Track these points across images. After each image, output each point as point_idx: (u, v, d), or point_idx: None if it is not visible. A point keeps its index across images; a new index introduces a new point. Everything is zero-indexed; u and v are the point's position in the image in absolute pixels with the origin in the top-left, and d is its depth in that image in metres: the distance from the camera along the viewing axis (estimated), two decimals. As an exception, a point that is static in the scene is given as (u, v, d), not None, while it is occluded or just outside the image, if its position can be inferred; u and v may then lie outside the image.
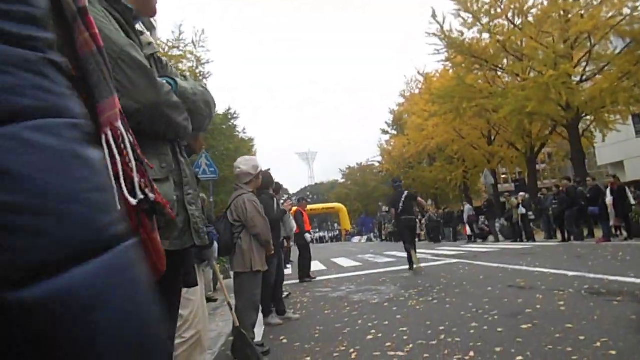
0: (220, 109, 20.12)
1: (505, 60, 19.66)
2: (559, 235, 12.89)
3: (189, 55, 16.48)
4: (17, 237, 0.39)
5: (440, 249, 14.61)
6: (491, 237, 17.32)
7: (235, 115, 21.07)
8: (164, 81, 1.15)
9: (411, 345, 3.28)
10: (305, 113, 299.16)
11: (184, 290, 1.65)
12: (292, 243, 7.59)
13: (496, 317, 3.88)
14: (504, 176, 42.86)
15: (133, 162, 0.72)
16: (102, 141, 0.64)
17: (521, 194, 15.65)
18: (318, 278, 8.71)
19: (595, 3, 15.93)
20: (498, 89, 19.49)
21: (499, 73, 20.64)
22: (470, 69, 19.84)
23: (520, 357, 2.72)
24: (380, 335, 3.73)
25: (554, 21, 16.90)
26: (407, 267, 8.85)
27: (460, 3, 18.32)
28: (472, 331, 3.49)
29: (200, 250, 2.55)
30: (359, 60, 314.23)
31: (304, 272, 8.51)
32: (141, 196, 0.73)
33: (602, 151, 26.79)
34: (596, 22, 15.20)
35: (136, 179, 0.72)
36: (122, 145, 0.69)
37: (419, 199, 9.64)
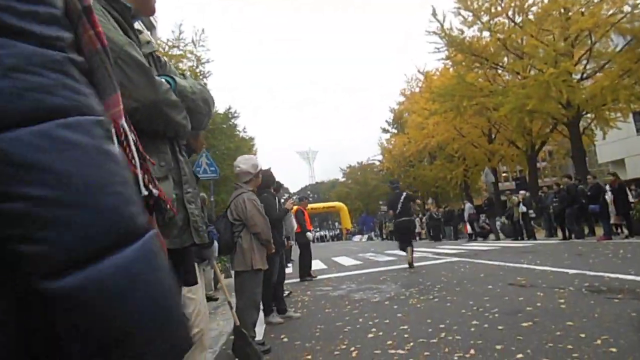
0: (220, 108, 20.14)
1: (505, 59, 19.66)
2: (559, 233, 12.88)
3: (189, 55, 16.48)
4: (57, 229, 0.41)
5: (441, 248, 14.62)
6: (492, 236, 17.33)
7: (235, 115, 21.08)
8: (163, 80, 1.15)
9: (412, 344, 3.29)
10: (305, 112, 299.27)
11: (186, 289, 1.66)
12: (292, 242, 7.58)
13: (497, 315, 3.88)
14: (504, 174, 42.83)
15: (137, 159, 0.73)
16: None
17: (522, 192, 15.65)
18: (319, 277, 8.72)
19: (595, 1, 15.90)
20: (498, 87, 19.48)
21: (500, 71, 20.64)
22: (471, 67, 19.83)
23: (520, 355, 2.73)
24: (381, 333, 3.73)
25: (555, 19, 16.87)
26: (407, 265, 8.88)
27: (460, 1, 18.32)
28: (472, 329, 3.49)
29: (201, 249, 2.55)
30: (359, 60, 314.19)
31: (305, 271, 8.51)
32: (145, 192, 0.74)
33: (602, 149, 26.75)
34: (597, 19, 15.18)
35: (140, 175, 0.73)
36: (125, 142, 0.70)
37: (417, 201, 9.75)
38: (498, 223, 17.35)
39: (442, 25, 19.07)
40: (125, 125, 0.69)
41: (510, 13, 18.20)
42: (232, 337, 3.46)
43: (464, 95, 19.27)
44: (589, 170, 17.50)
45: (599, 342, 2.79)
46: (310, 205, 12.11)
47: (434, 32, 19.40)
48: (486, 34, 19.12)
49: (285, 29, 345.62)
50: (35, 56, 0.45)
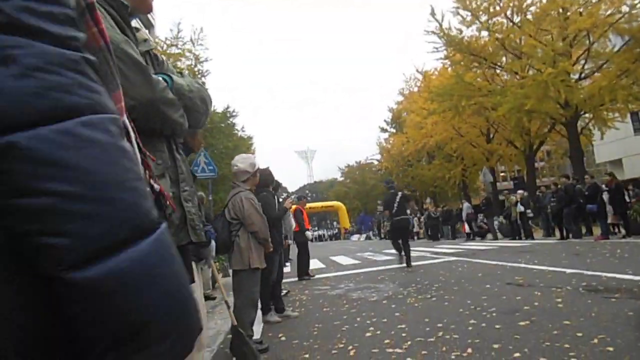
0: (219, 107, 20.15)
1: (504, 58, 19.69)
2: (557, 233, 12.91)
3: (187, 54, 16.48)
4: (81, 222, 0.43)
5: (439, 247, 14.63)
6: (490, 235, 17.35)
7: (234, 114, 21.08)
8: (160, 78, 1.15)
9: (409, 342, 3.29)
10: (304, 112, 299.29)
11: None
12: (290, 241, 7.59)
13: (494, 314, 3.89)
14: (502, 174, 42.92)
15: (138, 155, 0.73)
16: None
17: (520, 191, 15.68)
18: (317, 276, 8.72)
19: (593, 1, 15.93)
20: (497, 87, 19.50)
21: (498, 71, 20.66)
22: (469, 67, 19.86)
23: (518, 354, 2.73)
24: (378, 332, 3.73)
25: (553, 19, 16.90)
26: (405, 264, 8.90)
27: (459, 1, 18.34)
28: (470, 328, 3.50)
29: (198, 248, 2.55)
30: (359, 60, 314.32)
31: (303, 270, 8.51)
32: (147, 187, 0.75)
33: (600, 149, 26.81)
34: (595, 19, 15.21)
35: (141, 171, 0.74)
36: (127, 139, 0.71)
37: (411, 202, 9.82)
38: (496, 223, 17.37)
39: (440, 25, 19.10)
40: (127, 121, 0.71)
41: (508, 13, 18.22)
42: (230, 336, 3.46)
43: (463, 95, 19.29)
44: (587, 170, 17.53)
45: (596, 341, 2.80)
46: (308, 205, 12.12)
47: (433, 32, 19.43)
48: (485, 33, 19.15)
49: (285, 28, 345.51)
50: (54, 56, 0.46)
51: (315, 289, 6.94)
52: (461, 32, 19.23)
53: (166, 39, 16.47)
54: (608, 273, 5.34)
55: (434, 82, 24.88)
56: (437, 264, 8.96)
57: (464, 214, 18.85)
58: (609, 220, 11.18)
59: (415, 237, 25.87)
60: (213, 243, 3.80)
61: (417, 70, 29.56)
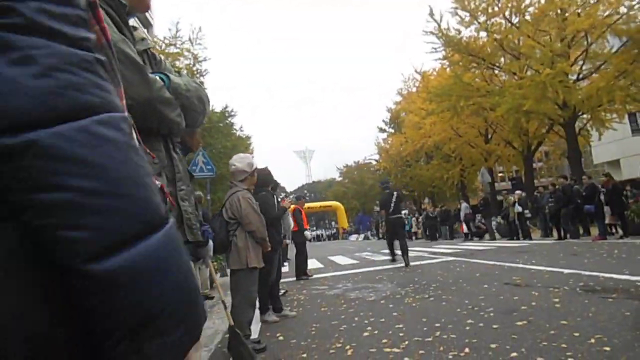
0: (217, 106, 20.12)
1: (502, 59, 19.72)
2: (555, 233, 12.94)
3: (185, 53, 16.45)
4: (100, 216, 0.46)
5: (437, 247, 14.64)
6: (487, 235, 17.38)
7: (232, 113, 21.05)
8: (157, 77, 1.15)
9: (407, 342, 3.30)
10: (303, 112, 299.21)
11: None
12: (289, 241, 7.58)
13: (492, 314, 3.90)
14: (500, 174, 42.99)
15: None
16: None
17: (518, 192, 15.70)
18: (315, 276, 8.72)
19: (592, 2, 15.98)
20: (495, 88, 19.53)
21: (496, 71, 20.69)
22: (468, 67, 19.89)
23: (515, 354, 2.74)
24: (376, 332, 3.73)
25: (551, 20, 16.93)
26: (403, 264, 8.91)
27: (457, 1, 18.36)
28: (467, 328, 3.51)
29: (196, 248, 2.55)
30: (358, 59, 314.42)
31: (301, 269, 8.51)
32: None
33: (598, 150, 26.87)
34: (593, 20, 15.25)
35: None
36: None
37: (406, 201, 10.39)
38: (494, 223, 17.40)
39: (439, 25, 19.13)
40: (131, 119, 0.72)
41: (507, 13, 18.25)
42: (228, 335, 3.45)
43: (461, 95, 19.31)
44: (585, 171, 17.60)
45: (592, 341, 2.81)
46: (306, 205, 12.13)
47: (431, 32, 19.46)
48: (483, 34, 19.19)
49: (284, 28, 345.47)
50: (69, 56, 0.48)
51: (313, 289, 6.94)
52: (460, 32, 19.28)
53: (165, 38, 16.45)
54: (605, 273, 5.36)
55: (433, 82, 24.90)
56: (435, 264, 8.97)
57: (462, 214, 18.87)
58: (607, 221, 11.22)
59: (414, 237, 25.91)
60: (211, 243, 3.80)
61: (416, 71, 29.63)
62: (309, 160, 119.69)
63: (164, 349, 0.49)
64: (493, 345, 2.96)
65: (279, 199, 5.49)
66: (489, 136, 24.81)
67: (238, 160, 3.83)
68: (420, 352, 3.02)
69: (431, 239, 21.47)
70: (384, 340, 3.41)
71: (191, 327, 0.53)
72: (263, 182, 4.81)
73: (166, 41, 16.28)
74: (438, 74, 25.52)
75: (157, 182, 0.80)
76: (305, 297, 6.29)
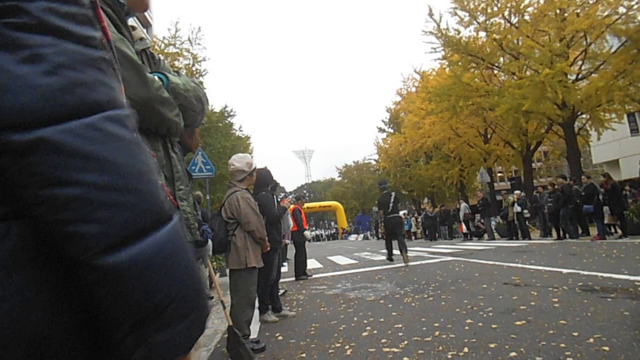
0: (217, 106, 20.13)
1: (501, 59, 19.73)
2: (554, 233, 12.95)
3: (185, 53, 16.46)
4: (111, 210, 0.47)
5: (436, 247, 14.66)
6: (486, 235, 17.39)
7: (232, 113, 21.07)
8: (155, 77, 1.15)
9: (406, 342, 3.30)
10: (302, 111, 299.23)
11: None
12: (288, 241, 7.58)
13: (491, 314, 3.90)
14: (500, 174, 43.03)
15: None
16: None
17: (517, 192, 15.71)
18: (314, 276, 8.72)
19: (591, 2, 15.98)
20: (494, 88, 19.54)
21: (496, 71, 20.71)
22: (467, 67, 19.89)
23: (514, 353, 2.74)
24: (375, 332, 3.73)
25: (550, 20, 16.94)
26: (402, 264, 8.93)
27: (456, 1, 18.37)
28: (466, 328, 3.51)
29: (194, 247, 2.55)
30: (358, 58, 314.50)
31: (300, 269, 8.51)
32: None
33: (597, 150, 26.93)
34: (592, 20, 15.26)
35: None
36: None
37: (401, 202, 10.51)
38: (493, 223, 17.40)
39: (438, 26, 19.14)
40: None
41: (506, 13, 18.26)
42: (227, 335, 3.45)
43: (460, 95, 19.33)
44: (584, 171, 17.62)
45: (591, 340, 2.81)
46: (306, 205, 12.14)
47: (431, 32, 19.47)
48: (482, 34, 19.20)
49: (283, 27, 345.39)
50: (77, 54, 0.50)
51: (313, 289, 6.94)
52: (459, 32, 19.29)
53: (164, 38, 16.46)
54: (604, 273, 5.37)
55: (432, 82, 24.91)
56: (434, 264, 8.97)
57: (461, 214, 18.88)
58: (606, 221, 11.23)
59: (413, 237, 25.92)
60: (210, 242, 3.80)
61: (415, 71, 29.65)
62: (309, 160, 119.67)
63: (171, 341, 0.51)
64: (492, 345, 2.96)
65: (279, 199, 5.49)
66: (488, 136, 24.83)
67: (237, 160, 3.83)
68: (420, 351, 3.02)
69: (430, 238, 21.49)
70: (383, 340, 3.42)
71: (197, 319, 0.54)
72: (263, 181, 4.82)
73: (165, 41, 16.29)
74: (437, 74, 25.52)
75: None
76: (304, 297, 6.29)
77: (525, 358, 2.65)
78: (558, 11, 16.82)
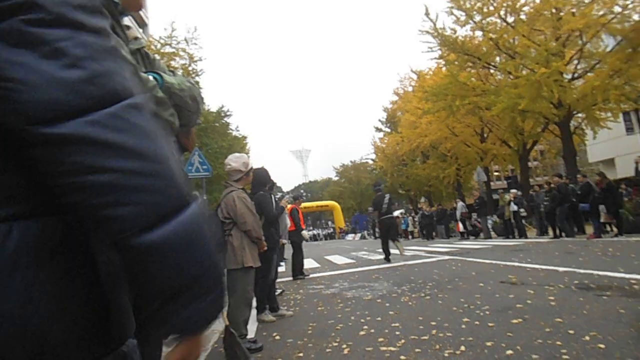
0: (213, 106, 20.11)
1: (497, 58, 19.76)
2: (550, 232, 13.00)
3: (181, 53, 16.44)
4: (140, 194, 0.50)
5: (433, 246, 14.68)
6: (483, 234, 17.44)
7: (228, 113, 21.06)
8: (150, 76, 1.14)
9: (403, 341, 3.30)
10: (299, 111, 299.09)
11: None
12: (285, 240, 7.58)
13: (487, 312, 3.91)
14: (496, 173, 43.14)
15: None
16: None
17: (513, 191, 15.77)
18: (311, 275, 8.72)
19: (586, 1, 16.03)
20: (491, 87, 19.58)
21: (492, 71, 20.76)
22: (463, 67, 19.92)
23: (510, 351, 2.75)
24: (372, 331, 3.74)
25: (546, 19, 16.99)
26: (399, 263, 8.94)
27: (453, 1, 18.39)
28: (463, 326, 3.52)
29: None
30: (354, 58, 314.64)
31: (298, 269, 8.51)
32: None
33: (593, 148, 27.01)
34: (587, 20, 15.31)
35: None
36: None
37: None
38: (490, 222, 17.45)
39: (435, 25, 19.16)
40: None
41: (502, 13, 18.29)
42: (223, 335, 3.45)
43: (457, 95, 19.36)
44: (580, 170, 17.68)
45: (587, 338, 2.83)
46: (303, 204, 12.14)
47: (427, 32, 19.49)
48: (479, 33, 19.24)
49: (280, 26, 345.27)
50: (94, 45, 0.52)
51: (310, 288, 6.94)
52: (455, 31, 19.31)
53: (160, 38, 16.42)
54: (600, 271, 5.39)
55: (429, 81, 24.95)
56: (431, 263, 8.99)
57: (458, 213, 18.93)
58: (602, 219, 11.28)
59: (410, 236, 25.96)
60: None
61: (412, 70, 29.73)
62: (306, 159, 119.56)
63: (199, 313, 0.55)
64: (489, 343, 2.97)
65: (277, 199, 5.49)
66: (485, 135, 24.88)
67: (233, 160, 3.83)
68: (417, 350, 3.03)
69: (427, 238, 21.52)
70: (381, 339, 3.42)
71: (220, 295, 0.58)
72: (260, 181, 4.81)
73: (162, 41, 16.25)
74: (434, 74, 25.58)
75: None
76: (301, 296, 6.29)
77: (522, 356, 2.66)
78: (554, 10, 16.86)
